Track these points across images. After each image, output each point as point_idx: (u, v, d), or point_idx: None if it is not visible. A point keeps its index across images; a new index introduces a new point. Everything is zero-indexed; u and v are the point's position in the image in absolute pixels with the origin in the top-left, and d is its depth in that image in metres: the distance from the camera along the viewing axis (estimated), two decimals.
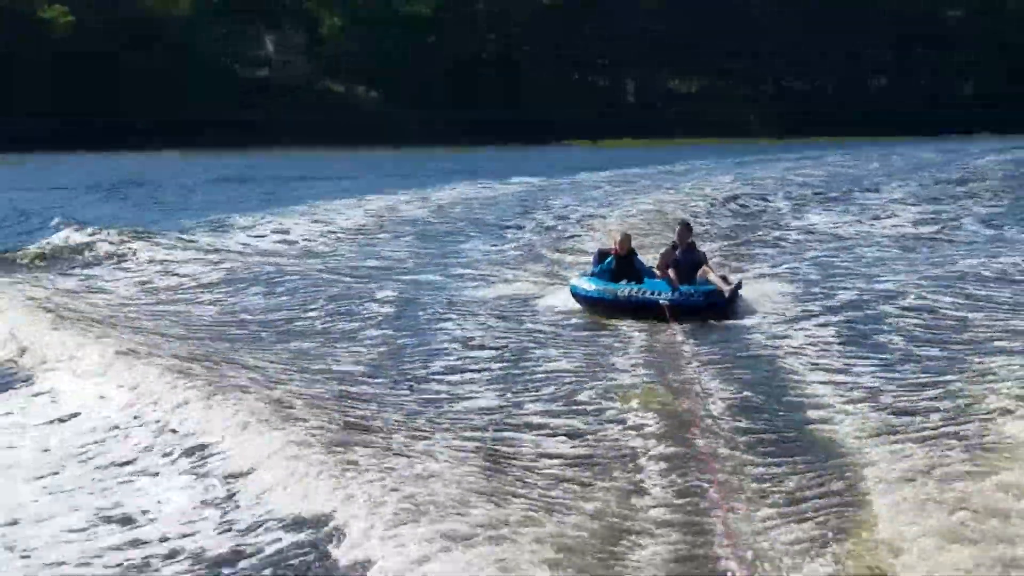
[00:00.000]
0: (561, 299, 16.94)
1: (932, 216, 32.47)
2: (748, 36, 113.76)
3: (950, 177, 46.67)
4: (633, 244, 17.17)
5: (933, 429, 10.08)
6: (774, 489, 8.51)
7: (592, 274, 16.31)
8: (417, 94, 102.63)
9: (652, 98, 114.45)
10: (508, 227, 31.04)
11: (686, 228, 16.68)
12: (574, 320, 15.90)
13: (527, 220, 32.68)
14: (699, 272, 15.77)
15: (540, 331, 15.29)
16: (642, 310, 15.11)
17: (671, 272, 15.67)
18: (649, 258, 17.62)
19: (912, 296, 17.46)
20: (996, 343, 13.84)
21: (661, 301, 14.97)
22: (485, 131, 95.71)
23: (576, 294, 16.05)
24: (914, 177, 47.16)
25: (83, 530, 8.57)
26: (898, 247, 25.62)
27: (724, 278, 16.03)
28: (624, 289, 15.54)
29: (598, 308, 15.59)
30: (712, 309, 15.08)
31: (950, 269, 21.00)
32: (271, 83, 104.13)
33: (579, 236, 28.33)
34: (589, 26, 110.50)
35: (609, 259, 16.29)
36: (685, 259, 15.97)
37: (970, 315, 16.26)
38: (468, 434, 10.27)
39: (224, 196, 43.65)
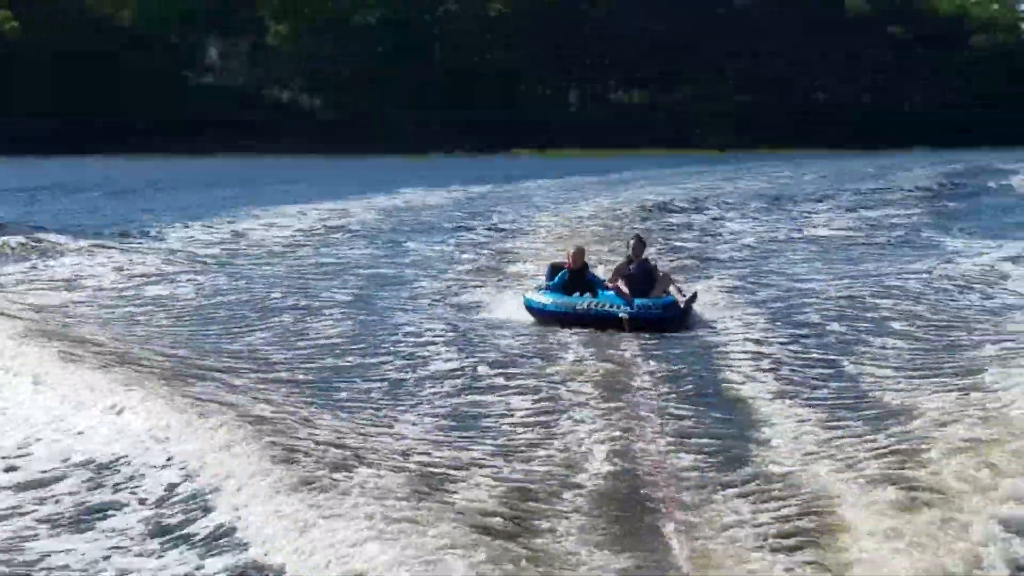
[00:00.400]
0: (507, 308, 17.04)
1: (861, 222, 33.82)
2: (693, 50, 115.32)
3: (879, 187, 48.26)
4: (573, 247, 17.46)
5: (865, 423, 10.48)
6: (721, 496, 8.45)
7: (546, 287, 16.32)
8: (363, 102, 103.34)
9: (596, 109, 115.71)
10: (454, 231, 31.62)
11: (640, 242, 16.79)
12: (517, 330, 15.86)
13: (472, 224, 33.48)
14: (658, 284, 15.97)
15: (483, 340, 15.20)
16: (600, 323, 15.18)
17: (622, 284, 15.77)
18: (600, 271, 17.58)
19: (842, 298, 18.41)
20: (935, 348, 14.23)
21: (620, 314, 15.07)
22: (433, 138, 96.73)
23: (531, 308, 16.03)
24: (846, 187, 48.74)
25: None
26: (823, 251, 26.67)
27: (679, 290, 16.22)
28: (582, 303, 15.60)
29: (554, 321, 15.58)
30: (669, 321, 15.20)
31: (874, 271, 22.14)
32: (216, 88, 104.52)
33: (522, 238, 29.12)
34: (537, 38, 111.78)
35: (562, 272, 16.31)
36: (638, 272, 16.09)
37: (907, 312, 16.89)
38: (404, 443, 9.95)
39: (144, 201, 43.84)
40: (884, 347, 14.46)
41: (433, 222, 35.01)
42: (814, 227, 32.78)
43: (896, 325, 16.08)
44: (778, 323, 16.23)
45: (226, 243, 29.01)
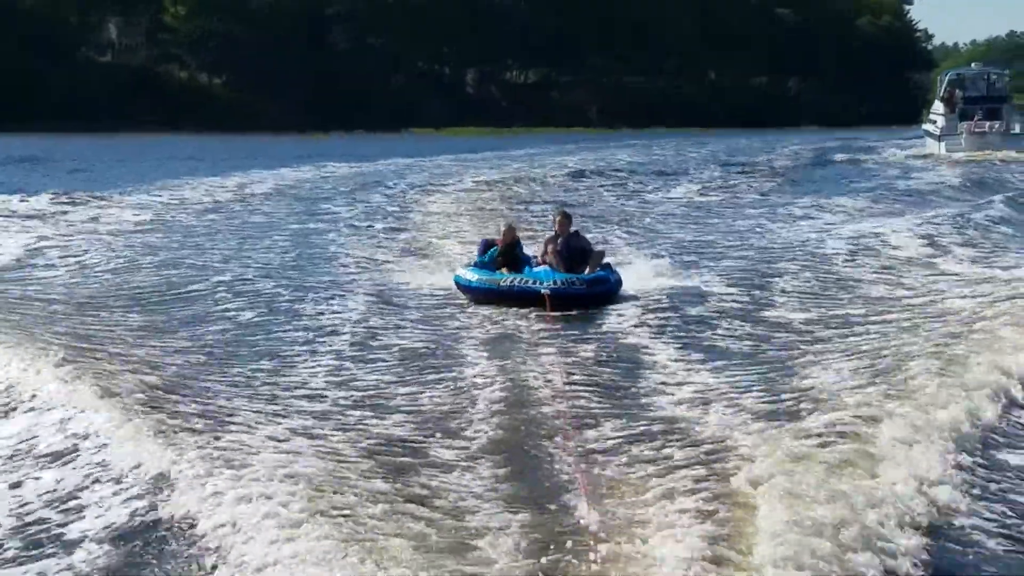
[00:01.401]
0: (420, 279, 17.34)
1: (724, 190, 36.88)
2: (589, 31, 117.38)
3: (751, 160, 52.40)
4: (504, 223, 17.63)
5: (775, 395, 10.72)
6: (638, 476, 8.21)
7: (476, 264, 16.26)
8: (265, 82, 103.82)
9: (491, 88, 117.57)
10: (363, 201, 33.22)
11: (565, 217, 16.64)
12: (438, 302, 16.12)
13: (377, 193, 35.41)
14: (592, 260, 15.78)
15: (400, 313, 15.43)
16: (524, 299, 15.05)
17: (552, 259, 15.71)
18: (532, 250, 17.22)
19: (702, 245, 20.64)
20: (835, 326, 14.38)
21: (542, 290, 14.88)
22: (332, 119, 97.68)
23: (460, 284, 16.05)
24: (729, 161, 52.05)
25: None
26: (685, 213, 29.50)
27: (608, 265, 15.98)
28: (507, 279, 15.46)
29: (481, 297, 15.56)
30: (595, 296, 15.17)
31: (733, 227, 24.71)
32: (114, 67, 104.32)
33: (419, 208, 30.89)
34: (433, 19, 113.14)
35: (493, 249, 16.29)
36: (568, 247, 15.88)
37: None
38: (306, 412, 10.11)
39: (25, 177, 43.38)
40: (757, 296, 16.35)
41: (332, 193, 36.61)
42: (676, 195, 35.97)
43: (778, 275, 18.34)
44: (660, 275, 17.72)
45: (107, 217, 28.73)
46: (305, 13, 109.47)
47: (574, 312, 14.75)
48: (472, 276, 15.87)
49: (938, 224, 24.71)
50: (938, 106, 57.86)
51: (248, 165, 47.29)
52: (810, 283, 17.48)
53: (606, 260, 16.19)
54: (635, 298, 15.73)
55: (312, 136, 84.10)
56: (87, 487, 8.28)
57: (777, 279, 17.75)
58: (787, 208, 30.67)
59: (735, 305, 15.58)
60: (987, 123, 53.87)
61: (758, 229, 25.62)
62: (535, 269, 15.80)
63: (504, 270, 15.85)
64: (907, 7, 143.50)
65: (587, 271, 15.48)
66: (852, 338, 13.18)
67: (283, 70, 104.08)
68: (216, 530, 7.14)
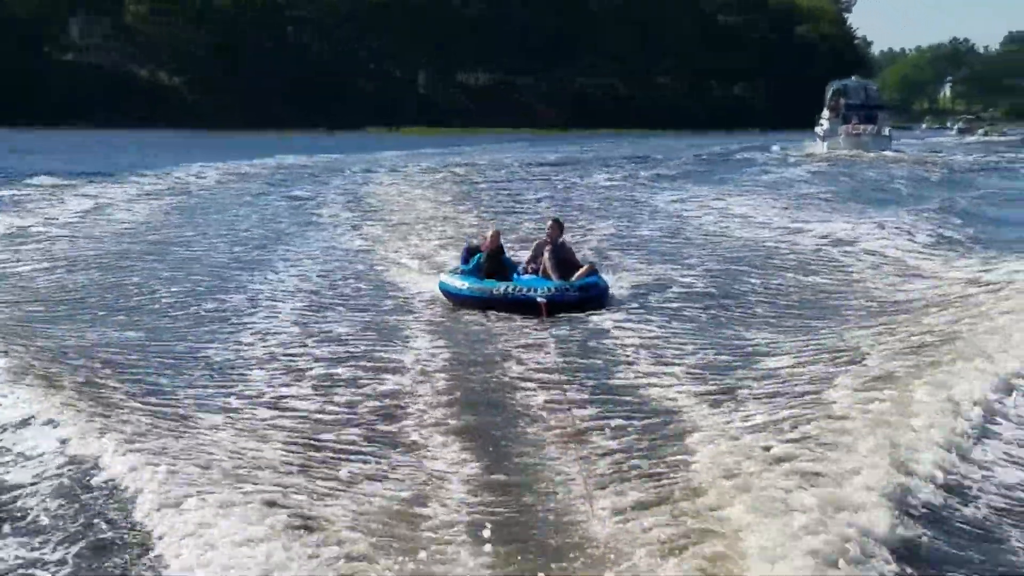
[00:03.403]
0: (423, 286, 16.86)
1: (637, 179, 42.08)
2: (538, 35, 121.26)
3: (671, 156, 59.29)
4: (490, 229, 17.57)
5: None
6: (626, 475, 7.98)
7: (461, 271, 15.85)
8: (224, 82, 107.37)
9: (444, 90, 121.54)
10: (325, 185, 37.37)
11: (557, 225, 16.39)
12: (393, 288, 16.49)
13: (332, 184, 39.40)
14: (580, 270, 15.63)
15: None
16: (518, 307, 14.74)
17: (547, 266, 15.64)
18: (515, 256, 17.29)
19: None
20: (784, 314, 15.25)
21: (538, 298, 14.60)
22: (292, 118, 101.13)
23: (447, 292, 15.52)
24: (649, 156, 58.41)
25: None
26: (603, 197, 34.04)
27: (596, 271, 15.92)
28: (499, 287, 15.06)
29: (470, 305, 15.07)
30: (587, 302, 14.96)
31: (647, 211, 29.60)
32: (76, 66, 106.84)
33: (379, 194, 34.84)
34: (390, 21, 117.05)
35: (478, 256, 15.88)
36: (556, 255, 15.73)
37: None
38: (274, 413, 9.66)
39: None
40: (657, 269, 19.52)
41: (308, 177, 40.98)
42: (590, 181, 41.57)
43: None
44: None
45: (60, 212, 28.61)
46: (266, 14, 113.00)
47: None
48: (462, 284, 15.39)
49: (784, 200, 32.80)
50: (825, 112, 67.62)
51: (198, 158, 49.94)
52: (666, 239, 22.61)
53: (594, 267, 16.14)
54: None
55: (269, 133, 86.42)
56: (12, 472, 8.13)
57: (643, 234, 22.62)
58: (678, 192, 36.80)
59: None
60: (862, 126, 63.85)
61: (650, 206, 31.23)
62: (523, 277, 15.64)
63: (492, 277, 15.48)
64: (846, 15, 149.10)
65: (575, 277, 15.35)
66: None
67: (242, 70, 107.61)
68: (160, 522, 6.92)
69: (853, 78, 74.74)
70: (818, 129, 67.86)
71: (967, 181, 43.19)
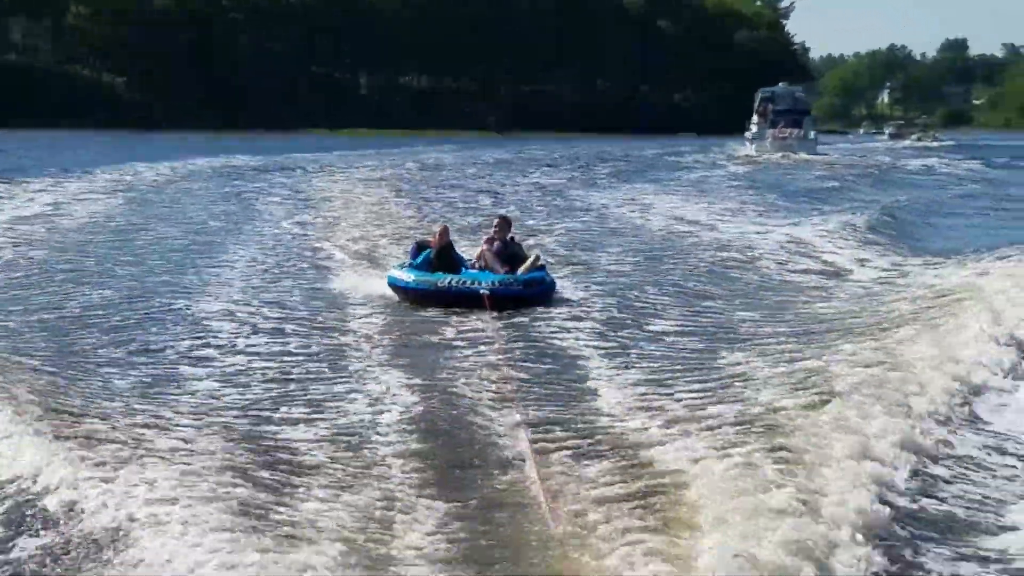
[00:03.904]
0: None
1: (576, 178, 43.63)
2: (479, 38, 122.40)
3: (611, 159, 61.46)
4: (438, 225, 17.68)
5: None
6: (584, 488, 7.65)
7: (410, 265, 16.09)
8: (164, 82, 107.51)
9: (386, 92, 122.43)
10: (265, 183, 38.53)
11: (504, 222, 16.79)
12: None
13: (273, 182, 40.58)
14: (526, 264, 15.78)
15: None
16: (462, 299, 15.01)
17: (495, 262, 15.84)
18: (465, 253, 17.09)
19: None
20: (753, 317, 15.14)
21: (481, 290, 14.91)
22: (229, 118, 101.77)
23: (394, 285, 15.82)
24: (584, 159, 60.50)
25: None
26: (542, 194, 35.73)
27: (543, 267, 16.17)
28: (444, 279, 15.37)
29: (416, 298, 15.39)
30: (531, 296, 15.27)
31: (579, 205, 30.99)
32: (18, 67, 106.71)
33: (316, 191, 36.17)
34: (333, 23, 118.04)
35: (427, 251, 16.17)
36: (503, 251, 16.03)
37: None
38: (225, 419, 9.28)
39: None
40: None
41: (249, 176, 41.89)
42: (537, 178, 43.83)
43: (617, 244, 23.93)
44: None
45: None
46: (205, 17, 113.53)
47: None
48: (408, 277, 15.69)
49: (707, 197, 35.71)
50: (755, 117, 71.50)
51: (136, 158, 50.30)
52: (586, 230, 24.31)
53: (540, 263, 16.27)
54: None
55: (207, 133, 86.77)
56: None
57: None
58: (608, 190, 38.58)
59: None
60: (788, 130, 67.72)
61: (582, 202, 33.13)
62: (470, 271, 15.92)
63: (440, 272, 15.70)
64: (784, 22, 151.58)
65: (520, 271, 15.56)
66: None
67: (183, 72, 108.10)
68: (114, 531, 6.65)
69: (781, 85, 77.73)
70: (748, 133, 71.45)
71: (878, 177, 47.22)
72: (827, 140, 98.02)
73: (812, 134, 69.85)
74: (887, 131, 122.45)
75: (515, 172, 47.98)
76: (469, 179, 43.54)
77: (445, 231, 16.65)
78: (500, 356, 11.80)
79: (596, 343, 12.74)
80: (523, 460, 8.20)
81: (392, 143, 76.25)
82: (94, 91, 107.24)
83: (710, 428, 8.85)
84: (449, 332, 13.51)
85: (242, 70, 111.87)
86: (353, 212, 28.75)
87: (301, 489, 7.52)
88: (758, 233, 24.90)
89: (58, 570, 6.44)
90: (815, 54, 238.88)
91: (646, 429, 9.00)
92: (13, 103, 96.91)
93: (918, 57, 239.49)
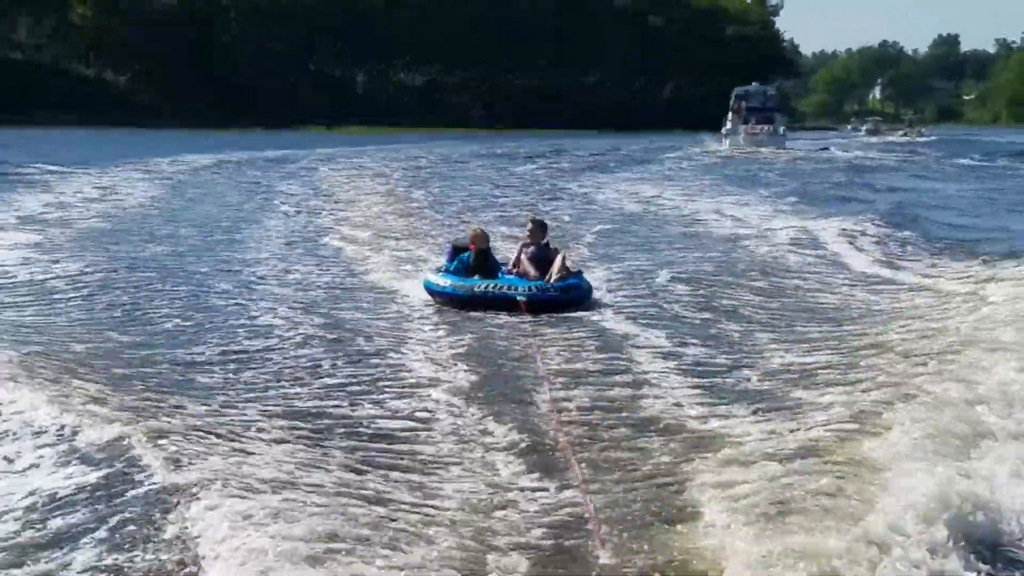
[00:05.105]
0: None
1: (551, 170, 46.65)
2: (474, 36, 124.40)
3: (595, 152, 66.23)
4: (474, 228, 17.35)
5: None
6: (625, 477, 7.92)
7: (446, 270, 16.06)
8: (165, 80, 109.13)
9: (386, 90, 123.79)
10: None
11: (539, 226, 16.66)
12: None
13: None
14: (555, 267, 15.63)
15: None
16: (499, 305, 15.08)
17: (529, 267, 15.84)
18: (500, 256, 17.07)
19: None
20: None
21: (518, 296, 15.01)
22: (229, 117, 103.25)
23: (430, 289, 15.85)
24: (572, 153, 64.27)
25: None
26: (520, 184, 37.95)
27: (579, 272, 16.10)
28: (480, 284, 15.40)
29: (453, 303, 15.41)
30: (569, 303, 15.24)
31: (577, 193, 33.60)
32: (23, 65, 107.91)
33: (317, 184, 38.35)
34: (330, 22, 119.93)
35: (466, 254, 16.13)
36: (538, 256, 15.97)
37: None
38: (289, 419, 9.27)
39: None
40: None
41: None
42: (521, 172, 46.95)
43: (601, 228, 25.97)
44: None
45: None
46: (205, 16, 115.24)
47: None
48: (445, 281, 15.69)
49: (684, 187, 39.37)
50: (729, 114, 77.15)
51: (142, 155, 51.83)
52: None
53: (577, 268, 16.25)
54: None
55: (208, 131, 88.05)
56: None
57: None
58: (594, 181, 42.35)
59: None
60: (760, 126, 73.53)
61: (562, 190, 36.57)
62: (506, 276, 15.85)
63: (477, 276, 15.67)
64: (774, 19, 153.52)
65: (553, 276, 15.45)
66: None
67: (183, 71, 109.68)
68: (192, 523, 6.74)
69: (754, 84, 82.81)
70: (723, 129, 77.27)
71: (839, 170, 50.84)
72: (814, 137, 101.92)
73: (782, 130, 75.59)
74: (863, 128, 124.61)
75: (516, 163, 52.36)
76: (467, 172, 46.37)
77: (482, 235, 16.48)
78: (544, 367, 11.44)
79: (647, 345, 12.69)
80: (574, 484, 7.84)
81: (391, 140, 79.29)
82: (97, 90, 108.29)
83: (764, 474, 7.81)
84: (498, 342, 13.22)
85: (242, 70, 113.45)
86: (388, 221, 27.07)
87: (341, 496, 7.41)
88: (716, 211, 29.28)
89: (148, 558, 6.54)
90: (807, 50, 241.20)
91: (696, 459, 8.36)
92: (13, 101, 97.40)
93: (910, 53, 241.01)
